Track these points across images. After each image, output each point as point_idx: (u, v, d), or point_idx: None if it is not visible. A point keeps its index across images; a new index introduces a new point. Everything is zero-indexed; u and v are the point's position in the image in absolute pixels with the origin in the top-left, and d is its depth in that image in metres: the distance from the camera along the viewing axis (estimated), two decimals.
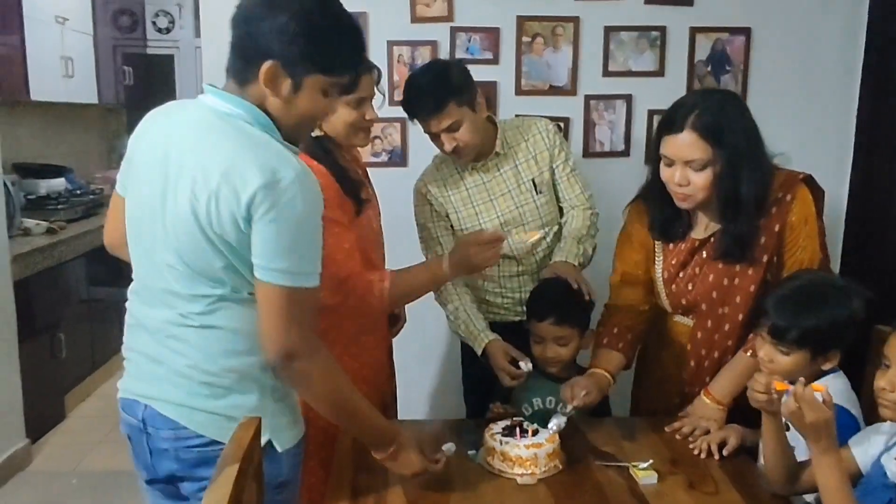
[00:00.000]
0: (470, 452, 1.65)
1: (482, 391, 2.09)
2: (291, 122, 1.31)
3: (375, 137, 2.81)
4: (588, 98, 2.90)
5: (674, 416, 1.80)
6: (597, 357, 1.87)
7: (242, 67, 1.28)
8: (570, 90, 2.89)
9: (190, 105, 1.34)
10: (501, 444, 1.59)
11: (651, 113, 2.89)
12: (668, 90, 2.68)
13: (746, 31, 2.89)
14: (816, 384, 1.31)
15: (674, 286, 1.83)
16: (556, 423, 1.67)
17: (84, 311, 3.98)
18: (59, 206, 4.05)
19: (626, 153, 2.93)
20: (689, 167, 1.65)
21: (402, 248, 2.11)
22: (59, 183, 4.33)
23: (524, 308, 2.08)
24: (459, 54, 2.81)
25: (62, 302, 3.75)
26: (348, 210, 1.75)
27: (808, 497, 1.49)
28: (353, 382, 1.39)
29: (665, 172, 1.70)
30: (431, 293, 2.17)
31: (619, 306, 1.92)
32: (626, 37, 2.87)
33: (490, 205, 2.11)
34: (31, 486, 3.10)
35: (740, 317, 1.75)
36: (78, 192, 4.42)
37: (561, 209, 2.19)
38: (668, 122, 1.67)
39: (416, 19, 2.81)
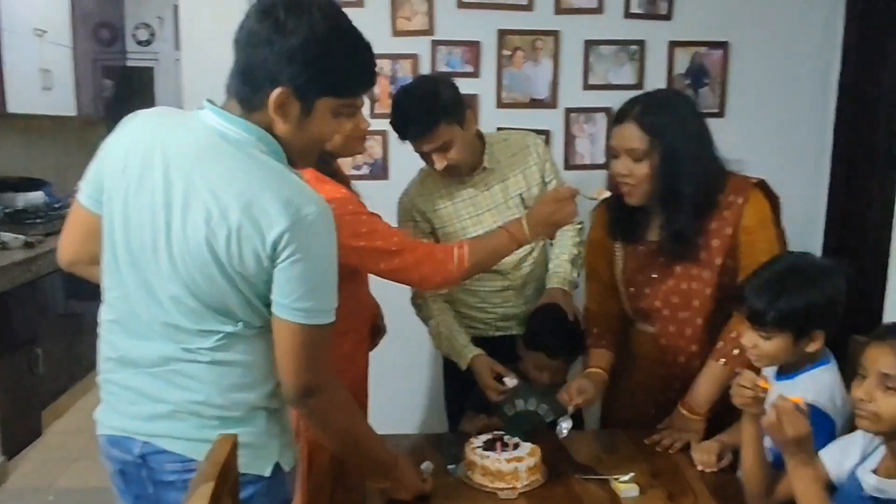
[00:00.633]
0: (450, 467, 1.64)
1: (464, 405, 2.08)
2: (301, 145, 1.25)
3: None
4: (568, 111, 2.92)
5: (650, 427, 1.81)
6: (588, 357, 1.91)
7: (249, 94, 1.19)
8: (551, 103, 2.91)
9: (191, 121, 1.24)
10: (482, 458, 1.58)
11: None
12: None
13: (724, 45, 2.93)
14: (794, 396, 1.31)
15: (632, 289, 1.85)
16: (564, 427, 1.71)
17: (62, 325, 3.93)
18: (38, 220, 4.01)
19: (606, 166, 2.93)
20: (630, 157, 1.69)
21: None
22: (37, 196, 4.28)
23: (507, 323, 2.08)
24: (440, 68, 2.82)
25: (39, 316, 3.69)
26: None
27: None
28: None
29: (612, 165, 1.75)
30: (411, 306, 2.18)
31: (593, 309, 1.96)
32: (606, 50, 2.89)
33: (477, 219, 2.09)
34: None
35: (700, 321, 1.77)
36: (56, 205, 4.37)
37: None
38: (617, 115, 1.74)
39: (396, 33, 2.82)
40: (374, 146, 2.87)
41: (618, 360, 1.90)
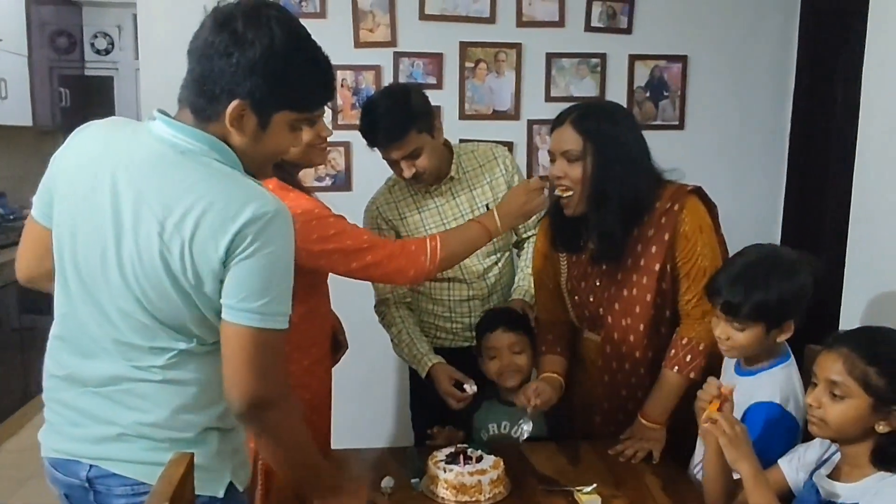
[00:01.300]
0: (413, 481, 1.63)
1: (431, 417, 2.07)
2: (256, 157, 1.22)
3: None
4: (531, 122, 2.94)
5: (597, 436, 1.84)
6: (541, 364, 1.93)
7: (204, 105, 1.16)
8: (514, 115, 2.94)
9: (141, 133, 1.20)
10: (445, 471, 1.57)
11: None
12: None
13: (683, 59, 2.98)
14: (726, 385, 1.37)
15: (577, 297, 1.88)
16: (525, 429, 1.72)
17: (15, 340, 3.82)
18: None
19: None
20: (564, 159, 1.72)
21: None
22: None
23: (473, 333, 2.08)
24: (402, 79, 2.83)
25: None
26: None
27: None
28: (306, 414, 1.35)
29: (550, 169, 1.77)
30: (375, 316, 2.17)
31: (543, 318, 1.98)
32: (568, 63, 2.92)
33: (443, 228, 2.08)
34: None
35: (642, 327, 1.79)
36: (10, 217, 4.29)
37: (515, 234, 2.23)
38: (555, 120, 1.77)
39: (359, 44, 2.82)
40: (336, 158, 2.85)
41: (570, 367, 1.92)
